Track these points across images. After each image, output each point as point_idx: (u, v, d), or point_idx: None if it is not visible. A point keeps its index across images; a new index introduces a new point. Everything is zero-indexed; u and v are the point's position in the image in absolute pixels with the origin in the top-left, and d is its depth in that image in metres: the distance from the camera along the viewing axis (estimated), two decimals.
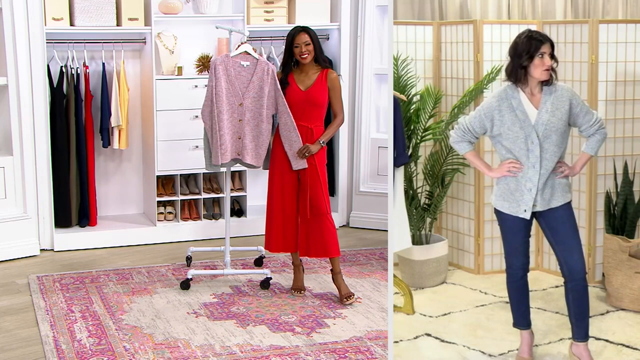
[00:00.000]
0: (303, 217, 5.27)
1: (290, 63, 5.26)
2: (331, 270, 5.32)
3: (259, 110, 5.26)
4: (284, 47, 6.71)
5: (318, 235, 5.24)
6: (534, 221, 4.12)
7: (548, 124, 3.88)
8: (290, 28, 5.69)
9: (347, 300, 5.20)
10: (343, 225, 7.13)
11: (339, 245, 5.32)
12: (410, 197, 5.28)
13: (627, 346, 4.34)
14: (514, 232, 4.05)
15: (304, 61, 5.18)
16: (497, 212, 4.08)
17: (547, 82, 3.90)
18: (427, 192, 5.45)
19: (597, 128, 3.97)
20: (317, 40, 5.21)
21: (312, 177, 5.23)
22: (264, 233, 5.44)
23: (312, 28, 5.27)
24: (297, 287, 5.41)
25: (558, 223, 3.97)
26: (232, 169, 6.43)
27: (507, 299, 4.22)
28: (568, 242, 3.95)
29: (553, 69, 3.89)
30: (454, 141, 4.10)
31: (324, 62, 5.25)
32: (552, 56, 3.87)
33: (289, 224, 5.33)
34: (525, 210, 3.96)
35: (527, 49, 3.85)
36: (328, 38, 6.98)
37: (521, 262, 4.08)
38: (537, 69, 3.85)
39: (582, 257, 3.95)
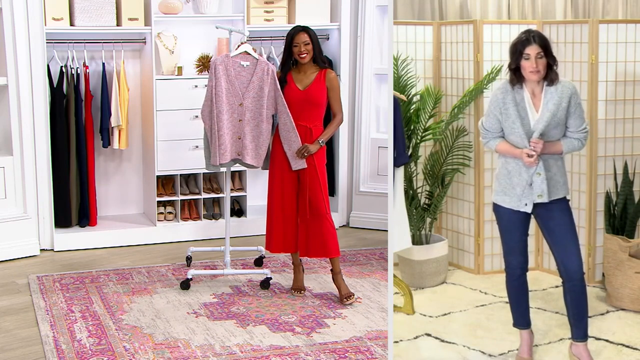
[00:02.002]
0: (303, 218, 5.28)
1: (289, 62, 5.27)
2: (331, 270, 5.32)
3: (259, 110, 5.26)
4: (283, 46, 6.76)
5: (318, 236, 5.24)
6: (533, 221, 4.12)
7: (548, 126, 3.89)
8: (290, 28, 5.68)
9: (347, 300, 5.20)
10: (343, 225, 7.13)
11: (339, 245, 5.32)
12: (410, 197, 5.28)
13: (627, 346, 4.34)
14: (511, 229, 4.05)
15: (302, 61, 5.19)
16: (496, 209, 4.08)
17: (549, 83, 3.90)
18: (427, 192, 5.45)
19: (581, 137, 3.96)
20: (316, 40, 5.22)
21: (311, 177, 5.24)
22: (265, 233, 5.45)
23: (312, 28, 5.28)
24: (297, 287, 5.41)
25: (555, 224, 3.97)
26: (232, 169, 6.43)
27: (507, 299, 4.22)
28: (565, 243, 3.95)
29: (551, 69, 3.89)
30: (484, 144, 4.12)
31: (323, 63, 5.26)
32: (545, 56, 3.86)
33: (289, 224, 5.34)
34: (526, 204, 3.96)
35: (514, 51, 3.89)
36: (328, 38, 6.98)
37: (518, 261, 4.08)
38: (525, 71, 3.88)
39: (579, 258, 3.95)
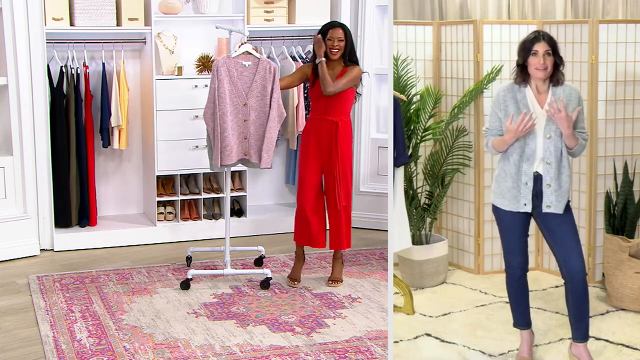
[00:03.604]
0: (329, 211, 5.48)
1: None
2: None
3: (263, 109, 5.28)
4: (284, 46, 6.77)
5: (345, 227, 5.48)
6: (532, 221, 4.12)
7: (555, 124, 3.89)
8: (290, 28, 5.72)
9: (332, 284, 5.47)
10: None
11: None
12: (410, 197, 5.28)
13: (627, 346, 4.34)
14: (511, 230, 4.05)
15: (333, 57, 5.28)
16: (495, 210, 4.09)
17: (555, 83, 3.93)
18: (427, 192, 5.45)
19: (582, 141, 3.95)
20: (350, 40, 5.32)
21: (329, 170, 5.38)
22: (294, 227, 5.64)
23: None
24: (293, 277, 5.51)
25: (556, 224, 3.96)
26: (233, 168, 6.43)
27: (507, 299, 4.22)
28: (566, 244, 3.95)
29: (557, 69, 3.91)
30: (484, 145, 4.12)
31: (350, 62, 5.34)
32: (552, 55, 3.90)
33: (315, 218, 5.47)
34: (525, 204, 3.96)
35: (522, 47, 3.95)
36: None
37: (519, 261, 4.08)
38: (532, 67, 3.92)
39: (581, 259, 3.94)
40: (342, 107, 5.34)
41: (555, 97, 3.92)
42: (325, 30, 5.28)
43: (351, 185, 5.47)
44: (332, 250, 5.59)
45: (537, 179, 3.95)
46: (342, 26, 5.30)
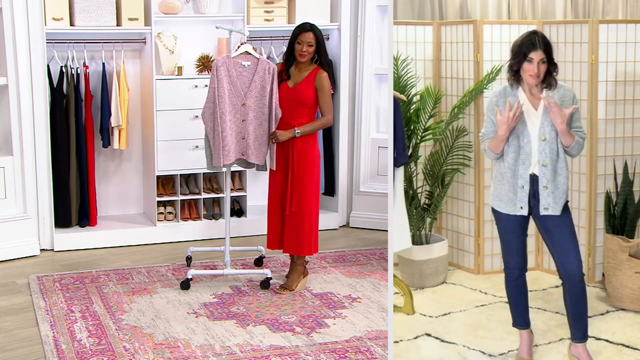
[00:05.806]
0: (286, 214, 5.39)
1: (292, 57, 5.29)
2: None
3: (261, 110, 5.28)
4: (284, 46, 6.77)
5: (293, 232, 5.35)
6: (532, 221, 4.12)
7: (550, 125, 3.89)
8: (290, 28, 5.69)
9: (279, 290, 5.37)
10: (343, 226, 7.13)
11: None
12: (410, 197, 5.28)
13: (627, 346, 4.35)
14: (509, 231, 4.05)
15: (300, 59, 5.21)
16: (494, 212, 4.09)
17: (547, 87, 3.91)
18: (427, 192, 5.45)
19: (580, 140, 3.94)
20: (322, 42, 5.24)
21: (291, 174, 5.30)
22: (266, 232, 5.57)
23: None
24: (282, 285, 5.46)
25: (553, 226, 3.96)
26: (232, 168, 6.43)
27: (507, 299, 4.22)
28: (564, 245, 3.94)
29: (550, 75, 3.89)
30: (482, 150, 4.10)
31: (319, 63, 5.27)
32: (547, 62, 3.86)
33: (271, 220, 5.45)
34: (521, 208, 3.96)
35: (518, 50, 3.89)
36: (328, 38, 6.98)
37: (517, 261, 4.08)
38: (525, 73, 3.89)
39: (578, 260, 3.94)
40: (303, 112, 5.26)
41: (548, 98, 3.90)
42: (296, 33, 5.20)
43: (308, 191, 5.31)
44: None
45: (534, 181, 3.94)
46: (313, 29, 5.18)
